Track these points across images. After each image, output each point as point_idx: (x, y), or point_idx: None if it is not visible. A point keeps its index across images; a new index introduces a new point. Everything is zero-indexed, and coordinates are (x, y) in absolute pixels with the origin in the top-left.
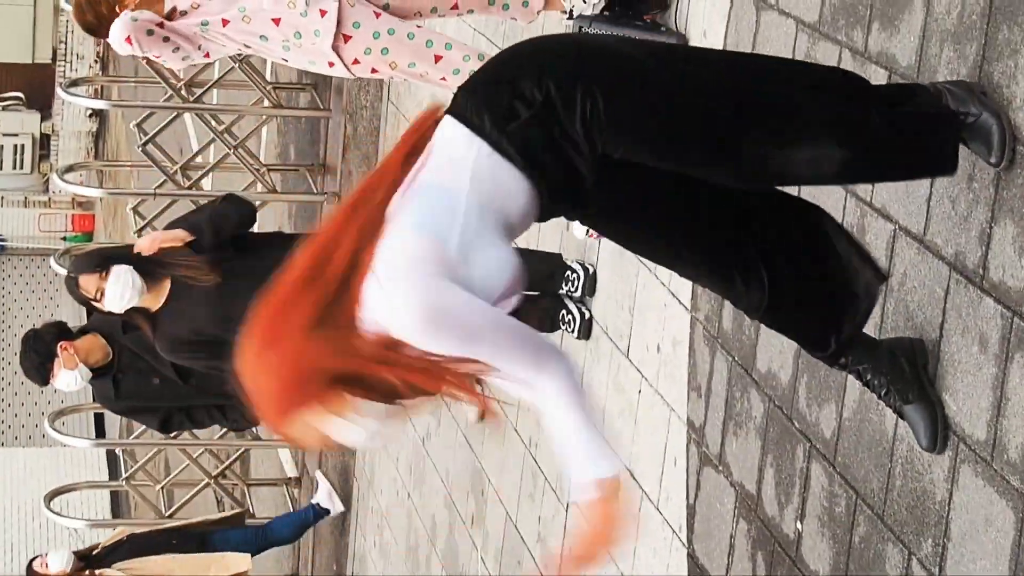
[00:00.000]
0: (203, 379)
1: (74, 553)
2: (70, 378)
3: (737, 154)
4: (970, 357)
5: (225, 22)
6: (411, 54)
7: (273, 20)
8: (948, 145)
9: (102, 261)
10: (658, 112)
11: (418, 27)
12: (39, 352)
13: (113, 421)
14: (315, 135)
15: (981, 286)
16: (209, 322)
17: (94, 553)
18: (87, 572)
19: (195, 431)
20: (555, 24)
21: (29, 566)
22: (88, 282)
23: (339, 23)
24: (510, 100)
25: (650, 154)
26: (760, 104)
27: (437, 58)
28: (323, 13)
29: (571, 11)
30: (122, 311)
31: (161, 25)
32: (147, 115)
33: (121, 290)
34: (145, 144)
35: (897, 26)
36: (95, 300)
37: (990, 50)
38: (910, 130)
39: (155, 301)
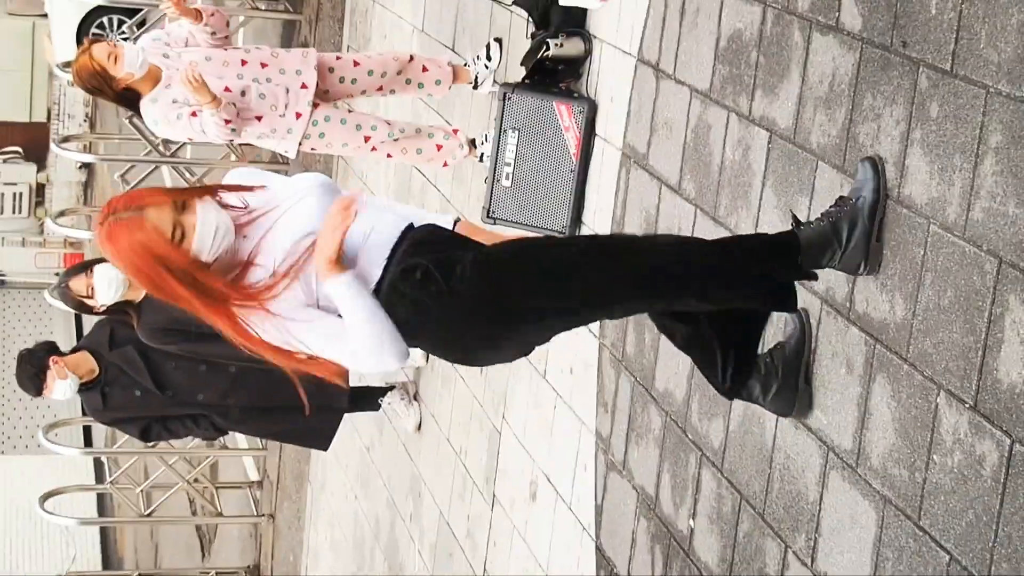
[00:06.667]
0: (178, 390)
1: None
2: (64, 387)
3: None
4: (838, 378)
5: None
6: (343, 136)
7: (256, 117)
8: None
9: (85, 265)
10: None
11: (349, 112)
12: (33, 365)
13: (99, 433)
14: None
15: (848, 317)
16: None
17: None
18: None
19: (171, 441)
20: (467, 96)
21: None
22: (78, 283)
23: None
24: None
25: None
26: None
27: (366, 138)
28: (298, 116)
29: (476, 80)
30: (113, 301)
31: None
32: (129, 167)
33: (108, 281)
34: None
35: (777, 93)
36: (87, 298)
37: (856, 114)
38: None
39: (137, 292)
